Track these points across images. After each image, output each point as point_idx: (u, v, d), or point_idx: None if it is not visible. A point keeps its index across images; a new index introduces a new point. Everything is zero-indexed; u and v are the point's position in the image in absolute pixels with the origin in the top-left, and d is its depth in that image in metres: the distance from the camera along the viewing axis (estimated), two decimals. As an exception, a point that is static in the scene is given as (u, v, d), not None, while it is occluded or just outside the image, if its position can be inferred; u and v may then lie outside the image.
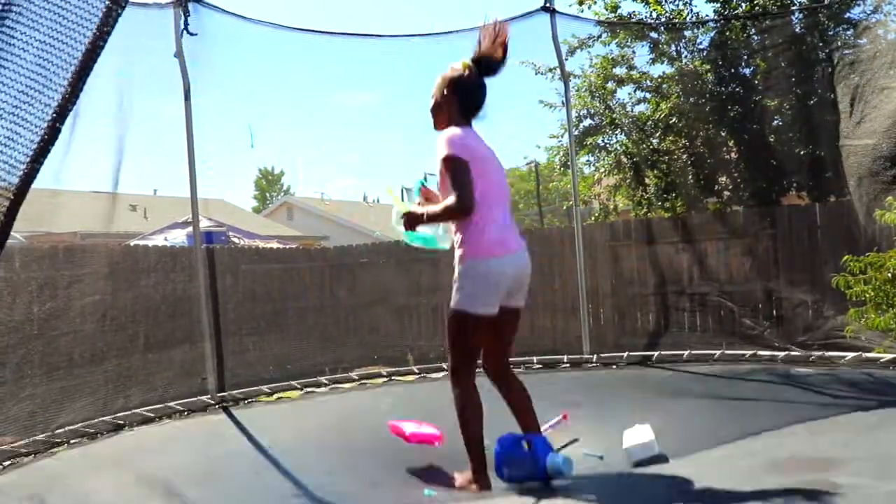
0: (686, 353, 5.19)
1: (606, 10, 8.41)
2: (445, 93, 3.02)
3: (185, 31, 4.28)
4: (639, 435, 3.07)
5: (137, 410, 4.21)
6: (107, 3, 1.71)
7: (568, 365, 5.26)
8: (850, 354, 4.68)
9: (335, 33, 5.02)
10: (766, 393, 4.14)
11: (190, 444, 3.74)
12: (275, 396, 4.73)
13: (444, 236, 3.13)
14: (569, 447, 3.22)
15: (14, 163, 1.61)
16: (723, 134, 7.62)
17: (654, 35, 7.78)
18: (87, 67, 1.67)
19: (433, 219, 2.92)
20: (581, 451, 3.22)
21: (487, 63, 3.01)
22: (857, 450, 2.89)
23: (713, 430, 3.35)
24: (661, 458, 2.96)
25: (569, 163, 6.84)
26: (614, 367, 5.14)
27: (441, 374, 5.03)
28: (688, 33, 7.70)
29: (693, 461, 2.93)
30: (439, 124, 3.04)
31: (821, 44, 6.90)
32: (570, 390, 4.38)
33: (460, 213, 2.79)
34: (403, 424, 3.44)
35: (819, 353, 4.83)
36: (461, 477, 2.91)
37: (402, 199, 3.13)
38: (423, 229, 3.01)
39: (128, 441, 3.72)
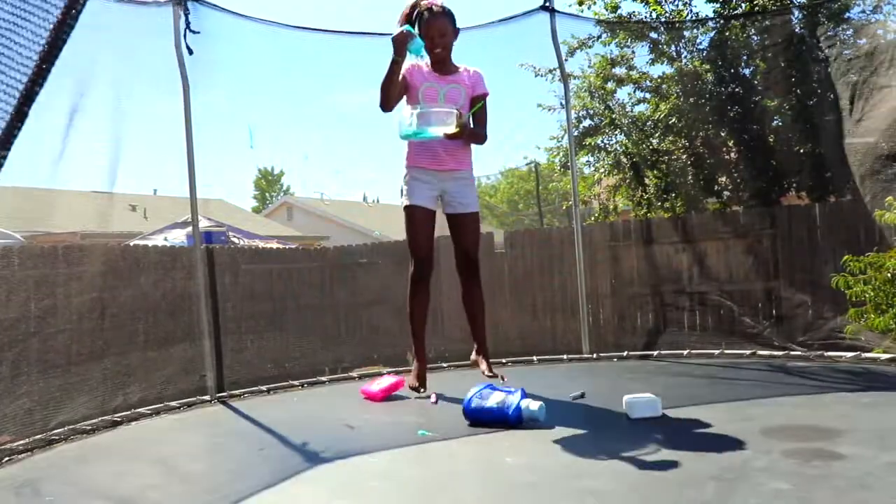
0: (686, 352, 5.20)
1: (606, 10, 8.41)
2: (455, 26, 3.61)
3: (187, 30, 4.27)
4: (642, 396, 3.11)
5: (137, 410, 4.20)
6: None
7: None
8: (850, 354, 4.68)
9: (335, 31, 5.01)
10: (765, 376, 4.23)
11: (190, 429, 3.78)
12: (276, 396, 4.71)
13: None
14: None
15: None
16: (722, 134, 7.62)
17: (653, 35, 7.78)
18: (54, 47, 1.64)
19: (471, 137, 3.62)
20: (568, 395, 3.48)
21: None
22: (857, 422, 2.89)
23: (708, 398, 3.40)
24: (664, 419, 3.01)
25: (568, 163, 6.84)
26: (615, 360, 5.18)
27: (442, 373, 5.04)
28: (687, 33, 7.70)
29: (685, 420, 3.01)
30: (449, 52, 3.62)
31: (820, 43, 6.90)
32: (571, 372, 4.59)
33: (481, 144, 3.73)
34: (369, 387, 3.75)
35: (819, 353, 4.83)
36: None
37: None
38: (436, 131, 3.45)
39: (127, 433, 3.72)
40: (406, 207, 3.61)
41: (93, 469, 3.07)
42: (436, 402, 3.58)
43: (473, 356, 3.95)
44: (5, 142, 1.62)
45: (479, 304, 3.78)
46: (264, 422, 3.62)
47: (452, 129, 3.36)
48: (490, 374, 3.72)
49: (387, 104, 3.49)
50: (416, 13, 3.51)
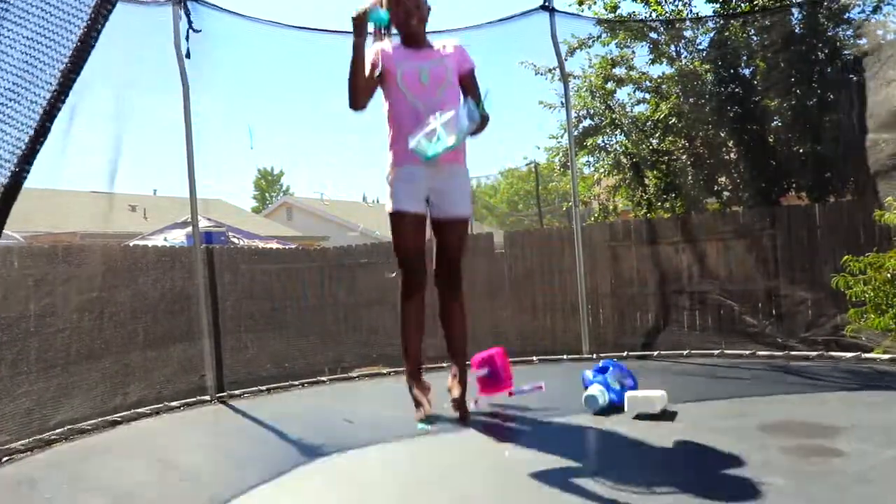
0: (686, 351, 5.21)
1: (606, 10, 8.41)
2: (427, 3, 3.21)
3: (189, 30, 4.27)
4: (645, 393, 3.12)
5: (137, 410, 4.20)
6: (97, -1, 1.69)
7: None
8: (850, 354, 4.68)
9: (335, 31, 5.01)
10: (765, 374, 4.25)
11: (189, 427, 3.80)
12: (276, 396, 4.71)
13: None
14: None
15: (1, 162, 1.60)
16: (722, 134, 7.62)
17: (653, 35, 7.78)
18: (76, 65, 1.66)
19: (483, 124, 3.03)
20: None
21: None
22: (858, 419, 2.89)
23: (706, 394, 3.41)
24: (665, 415, 3.00)
25: (568, 163, 6.83)
26: (614, 359, 5.17)
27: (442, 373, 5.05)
28: (687, 33, 7.70)
29: (684, 415, 3.01)
30: (424, 26, 3.20)
31: (820, 44, 6.90)
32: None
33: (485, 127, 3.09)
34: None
35: (819, 353, 4.83)
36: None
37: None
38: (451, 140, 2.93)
39: (126, 432, 3.73)
40: (392, 214, 3.11)
41: (91, 467, 3.08)
42: (477, 404, 3.39)
43: (450, 381, 3.35)
44: (29, 156, 1.63)
45: (461, 324, 3.21)
46: (263, 419, 3.64)
47: (476, 124, 2.90)
48: (457, 407, 3.21)
49: (357, 100, 2.98)
50: None
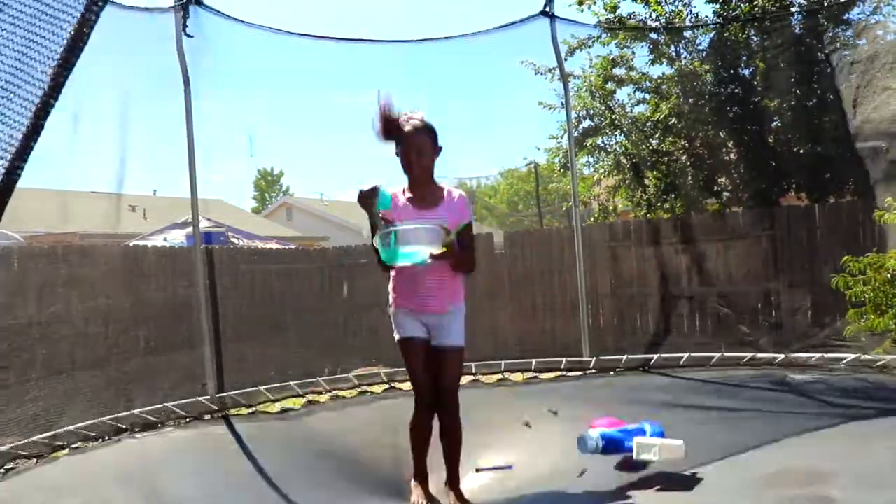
0: (685, 356, 5.17)
1: (606, 10, 8.41)
2: (437, 143, 3.16)
3: (183, 33, 4.29)
4: (655, 440, 3.06)
5: (139, 415, 4.20)
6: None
7: (565, 372, 5.22)
8: (850, 356, 4.68)
9: (333, 38, 5.02)
10: (761, 403, 4.12)
11: (189, 448, 3.76)
12: (277, 406, 4.67)
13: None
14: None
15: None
16: (722, 135, 7.62)
17: (653, 36, 7.79)
18: (68, 63, 1.66)
19: (460, 260, 3.13)
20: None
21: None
22: (851, 461, 2.89)
23: (706, 441, 3.34)
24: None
25: (568, 164, 6.84)
26: (612, 373, 5.10)
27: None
28: (687, 34, 7.71)
29: (683, 476, 2.94)
30: (429, 172, 3.16)
31: (820, 45, 6.91)
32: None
33: (470, 272, 3.30)
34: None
35: (818, 355, 4.82)
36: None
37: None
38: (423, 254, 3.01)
39: (128, 446, 3.71)
40: (400, 342, 3.26)
41: (86, 493, 3.05)
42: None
43: (445, 486, 3.35)
44: (22, 153, 1.63)
45: (457, 441, 3.27)
46: (256, 449, 3.59)
47: (438, 249, 2.95)
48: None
49: (380, 263, 3.09)
50: (394, 126, 3.09)
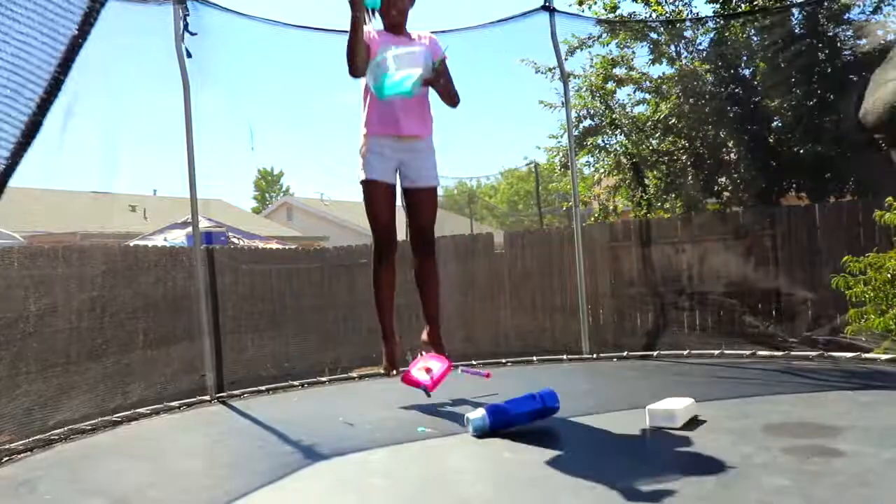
0: (686, 352, 5.19)
1: (606, 9, 8.41)
2: None
3: (185, 31, 4.27)
4: (670, 403, 2.97)
5: (137, 410, 4.20)
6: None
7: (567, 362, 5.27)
8: (850, 355, 4.68)
9: (335, 31, 5.00)
10: (764, 375, 4.20)
11: (190, 428, 3.78)
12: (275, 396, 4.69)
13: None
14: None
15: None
16: (722, 134, 7.62)
17: (653, 35, 7.79)
18: (69, 61, 1.67)
19: (447, 87, 3.32)
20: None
21: None
22: (857, 420, 2.88)
23: (707, 395, 3.35)
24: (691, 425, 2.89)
25: (568, 163, 6.84)
26: (614, 360, 5.18)
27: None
28: (688, 33, 7.71)
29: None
30: (405, 17, 3.40)
31: (820, 44, 6.91)
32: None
33: (455, 104, 3.40)
34: (415, 374, 3.39)
35: (818, 354, 4.82)
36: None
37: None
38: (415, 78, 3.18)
39: (127, 432, 3.72)
40: (364, 182, 3.33)
41: (91, 468, 3.07)
42: (488, 376, 3.49)
43: (424, 336, 3.57)
44: (22, 149, 1.64)
45: (434, 279, 3.44)
46: (264, 420, 3.62)
47: (430, 74, 3.17)
48: (430, 349, 3.46)
49: (357, 67, 3.19)
50: None
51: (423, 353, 3.53)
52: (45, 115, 1.71)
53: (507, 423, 2.90)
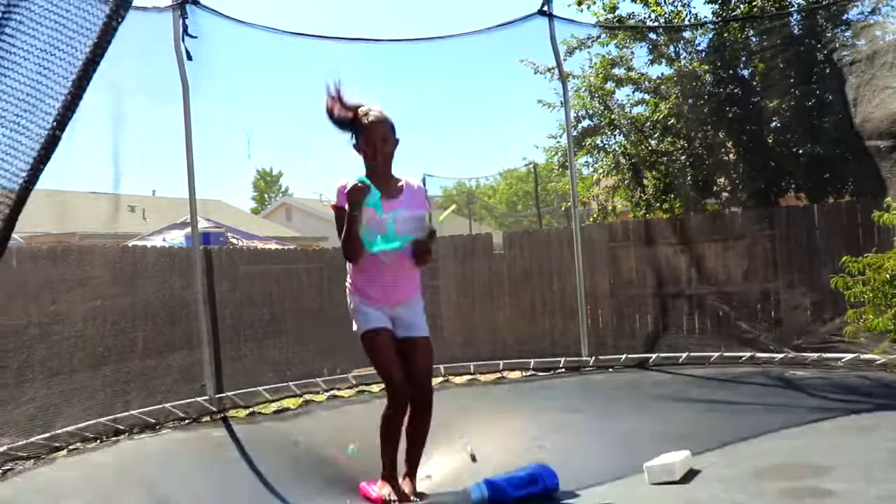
0: (684, 355, 5.18)
1: (605, 10, 8.41)
2: (395, 135, 3.22)
3: (184, 35, 4.28)
4: (666, 458, 2.96)
5: (137, 415, 4.19)
6: (107, 13, 1.70)
7: (564, 370, 5.24)
8: (848, 356, 4.68)
9: (332, 38, 5.02)
10: (759, 396, 4.16)
11: (189, 449, 3.76)
12: (272, 408, 4.67)
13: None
14: None
15: (16, 171, 1.61)
16: (721, 135, 7.62)
17: (652, 36, 7.79)
18: (86, 76, 1.67)
19: (428, 252, 3.18)
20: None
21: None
22: (846, 454, 2.90)
23: (704, 433, 3.36)
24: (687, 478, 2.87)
25: (567, 163, 6.84)
26: (611, 369, 5.13)
27: (440, 379, 5.04)
28: (686, 34, 7.71)
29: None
30: (390, 162, 3.22)
31: (819, 45, 6.91)
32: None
33: (428, 263, 3.27)
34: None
35: (817, 355, 4.82)
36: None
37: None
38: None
39: (126, 447, 3.71)
40: (365, 335, 3.18)
41: (84, 495, 3.05)
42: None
43: (402, 481, 3.31)
44: (40, 164, 1.65)
45: (426, 434, 3.28)
46: (263, 440, 3.59)
47: (424, 234, 3.08)
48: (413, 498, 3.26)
49: (357, 256, 3.10)
50: (352, 119, 3.15)
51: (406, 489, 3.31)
52: (63, 129, 1.71)
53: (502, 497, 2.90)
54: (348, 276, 3.26)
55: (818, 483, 2.53)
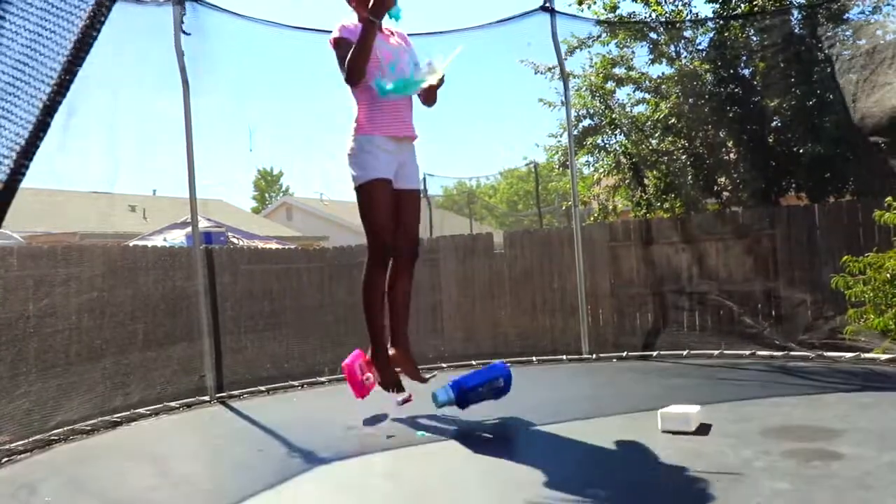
0: (685, 352, 5.20)
1: (605, 9, 8.40)
2: None
3: (181, 31, 4.27)
4: (680, 408, 2.96)
5: (137, 410, 4.20)
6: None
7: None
8: (849, 354, 4.68)
9: (330, 31, 5.00)
10: (763, 375, 4.25)
11: (190, 430, 3.80)
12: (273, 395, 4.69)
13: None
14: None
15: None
16: (722, 134, 7.62)
17: (653, 35, 7.78)
18: (77, 59, 1.64)
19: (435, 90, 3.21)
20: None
21: None
22: (856, 422, 2.89)
23: (707, 397, 3.36)
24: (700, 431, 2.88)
25: (568, 163, 6.83)
26: (614, 360, 5.19)
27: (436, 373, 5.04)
28: (687, 33, 7.70)
29: None
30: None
31: (819, 44, 6.90)
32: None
33: (431, 104, 3.35)
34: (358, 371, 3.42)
35: (818, 353, 4.82)
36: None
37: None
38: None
39: (127, 433, 3.72)
40: (367, 184, 3.06)
41: (91, 470, 3.08)
42: (403, 402, 3.34)
43: (394, 352, 3.38)
44: (28, 152, 1.62)
45: (407, 300, 3.27)
46: (264, 422, 3.63)
47: (438, 77, 3.08)
48: (415, 376, 3.31)
49: (360, 75, 3.03)
50: None
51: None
52: (52, 115, 1.68)
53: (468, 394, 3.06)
54: (355, 112, 3.19)
55: (826, 446, 2.52)
